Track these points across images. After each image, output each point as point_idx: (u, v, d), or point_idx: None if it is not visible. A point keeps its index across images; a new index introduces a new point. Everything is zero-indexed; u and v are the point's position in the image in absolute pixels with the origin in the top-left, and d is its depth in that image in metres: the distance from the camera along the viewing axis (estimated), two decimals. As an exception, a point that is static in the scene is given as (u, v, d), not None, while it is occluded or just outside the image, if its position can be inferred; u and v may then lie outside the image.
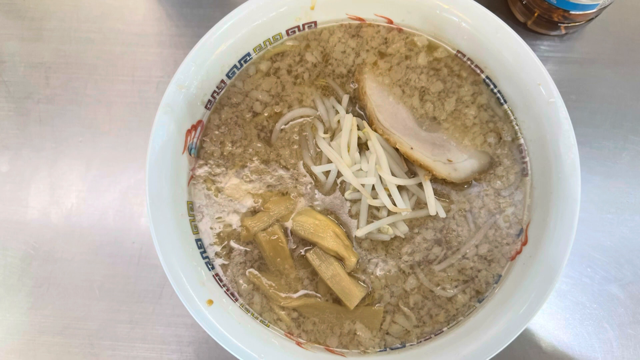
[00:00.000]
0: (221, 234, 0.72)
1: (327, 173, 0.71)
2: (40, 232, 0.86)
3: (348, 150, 0.70)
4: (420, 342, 0.69)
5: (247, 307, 0.71)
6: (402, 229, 0.70)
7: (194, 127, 0.73)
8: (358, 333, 0.70)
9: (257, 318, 0.70)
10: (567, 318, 0.81)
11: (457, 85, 0.73)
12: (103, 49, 0.89)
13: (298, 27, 0.74)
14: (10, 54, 0.89)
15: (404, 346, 0.69)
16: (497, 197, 0.71)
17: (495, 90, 0.73)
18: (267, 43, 0.74)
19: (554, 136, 0.67)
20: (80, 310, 0.84)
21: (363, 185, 0.68)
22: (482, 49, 0.71)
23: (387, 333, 0.70)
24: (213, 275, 0.71)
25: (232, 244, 0.72)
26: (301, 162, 0.73)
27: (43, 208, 0.86)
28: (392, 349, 0.69)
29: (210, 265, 0.71)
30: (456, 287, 0.70)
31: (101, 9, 0.90)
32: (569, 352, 0.80)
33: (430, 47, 0.74)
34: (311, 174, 0.73)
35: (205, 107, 0.74)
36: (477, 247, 0.71)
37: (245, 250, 0.72)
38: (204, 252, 0.71)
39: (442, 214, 0.69)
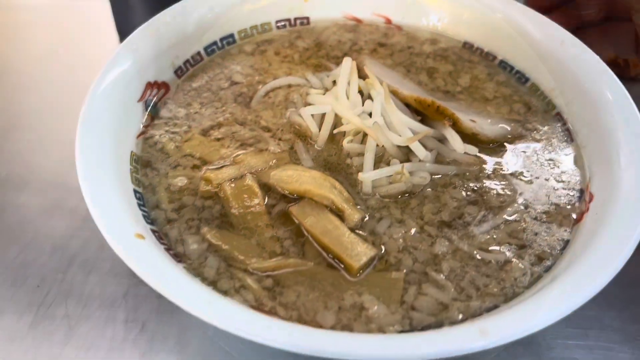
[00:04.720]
0: (171, 188, 0.61)
1: (320, 126, 0.65)
2: None
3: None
4: (467, 319, 0.51)
5: (196, 270, 0.54)
6: (423, 175, 0.60)
7: (158, 85, 0.70)
8: (367, 307, 0.51)
9: (209, 286, 0.52)
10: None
11: (469, 67, 0.75)
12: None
13: (289, 20, 0.80)
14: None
15: (442, 325, 0.50)
16: (542, 159, 0.65)
17: (514, 72, 0.74)
18: (254, 30, 0.78)
19: (592, 84, 0.66)
20: None
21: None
22: (492, 35, 0.76)
23: (413, 308, 0.52)
24: (151, 230, 0.56)
25: (185, 199, 0.60)
26: (286, 120, 0.67)
27: None
28: (422, 329, 0.50)
29: (148, 219, 0.57)
30: (508, 251, 0.56)
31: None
32: None
33: (435, 41, 0.79)
34: (299, 134, 0.66)
35: (175, 73, 0.72)
36: (527, 209, 0.60)
37: (203, 206, 0.59)
38: (143, 204, 0.58)
39: (473, 151, 0.62)
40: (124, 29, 1.00)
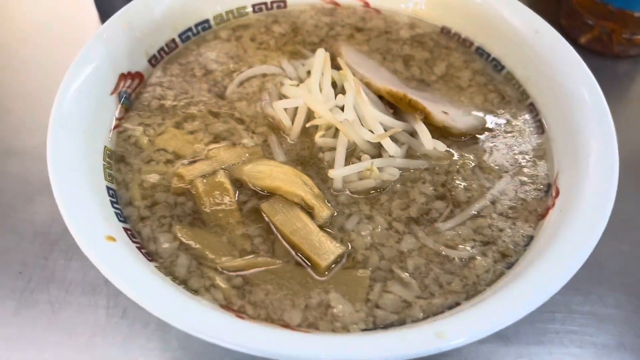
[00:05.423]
0: (144, 184, 0.62)
1: (293, 119, 0.66)
2: None
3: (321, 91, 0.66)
4: (428, 317, 0.53)
5: (167, 269, 0.55)
6: (392, 172, 0.61)
7: (131, 76, 0.70)
8: (333, 305, 0.53)
9: (180, 285, 0.54)
10: None
11: (445, 54, 0.75)
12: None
13: (266, 3, 0.79)
14: None
15: (404, 323, 0.53)
16: (512, 152, 0.66)
17: (490, 59, 0.74)
18: (230, 15, 0.78)
19: (565, 76, 0.66)
20: None
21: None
22: (469, 20, 0.76)
23: (377, 306, 0.54)
24: (124, 229, 0.57)
25: (158, 195, 0.61)
26: (261, 113, 0.68)
27: None
28: (384, 327, 0.52)
29: (121, 217, 0.58)
30: (472, 248, 0.58)
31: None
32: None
33: (413, 26, 0.78)
34: (272, 127, 0.67)
35: (149, 61, 0.72)
36: (494, 204, 0.61)
37: (175, 203, 0.60)
38: (116, 202, 0.60)
39: (442, 148, 0.62)
40: (104, 7, 0.99)
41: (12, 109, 0.90)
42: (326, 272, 0.56)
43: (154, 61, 0.73)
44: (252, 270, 0.56)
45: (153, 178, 0.62)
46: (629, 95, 0.97)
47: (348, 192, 0.62)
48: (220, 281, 0.55)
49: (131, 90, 0.69)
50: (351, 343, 0.48)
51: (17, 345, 0.66)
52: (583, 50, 0.90)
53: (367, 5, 0.81)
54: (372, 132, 0.63)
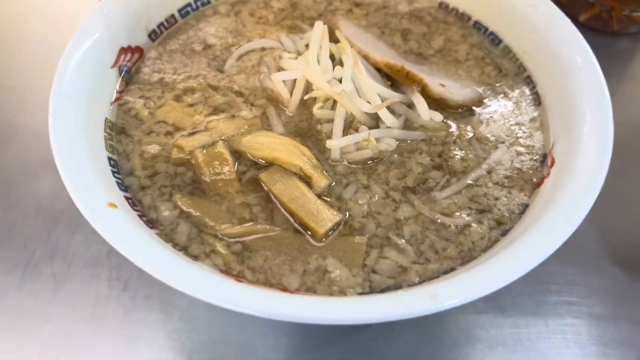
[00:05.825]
0: (144, 155, 0.63)
1: (292, 91, 0.67)
2: None
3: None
4: (424, 282, 0.54)
5: (168, 236, 0.57)
6: (389, 142, 0.63)
7: (131, 50, 0.71)
8: (330, 270, 0.55)
9: (180, 251, 0.56)
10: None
11: (443, 29, 0.76)
12: None
13: (264, -18, 0.80)
14: None
15: (400, 287, 0.54)
16: (508, 123, 0.67)
17: (487, 33, 0.75)
18: (229, -9, 0.79)
19: (562, 48, 0.67)
20: None
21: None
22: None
23: (374, 271, 0.55)
24: (125, 197, 0.59)
25: (158, 166, 0.62)
26: (259, 85, 0.69)
27: None
28: (381, 291, 0.54)
29: (122, 186, 0.60)
30: (468, 216, 0.59)
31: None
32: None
33: (411, 0, 0.79)
34: (271, 100, 0.68)
35: (149, 36, 0.73)
36: (490, 174, 0.62)
37: (175, 173, 0.62)
38: (117, 172, 0.61)
39: (438, 118, 0.63)
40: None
41: (13, 86, 0.91)
42: (324, 239, 0.57)
43: (153, 36, 0.74)
44: (251, 237, 0.57)
45: (153, 149, 0.63)
46: (629, 72, 0.98)
47: (346, 163, 0.63)
48: (220, 247, 0.56)
49: (131, 64, 0.71)
50: (348, 304, 0.49)
51: (20, 317, 0.67)
52: (583, 28, 0.90)
53: (366, -19, 0.81)
54: (370, 104, 0.64)
